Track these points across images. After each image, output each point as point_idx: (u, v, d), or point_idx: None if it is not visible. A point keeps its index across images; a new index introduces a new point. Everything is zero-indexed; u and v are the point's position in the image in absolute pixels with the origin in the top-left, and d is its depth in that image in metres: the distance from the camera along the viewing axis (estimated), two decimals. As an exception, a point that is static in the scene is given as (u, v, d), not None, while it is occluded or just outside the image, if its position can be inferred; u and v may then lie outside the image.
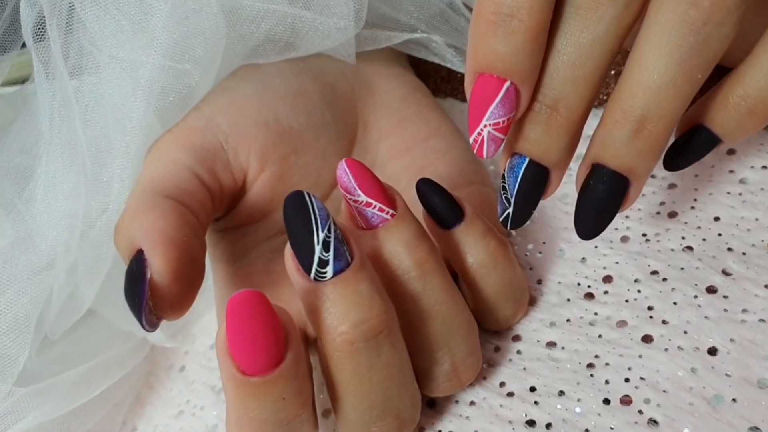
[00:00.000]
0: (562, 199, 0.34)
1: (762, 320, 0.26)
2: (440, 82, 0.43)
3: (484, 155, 0.24)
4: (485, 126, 0.24)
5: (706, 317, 0.27)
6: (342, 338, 0.23)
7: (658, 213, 0.31)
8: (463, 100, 0.42)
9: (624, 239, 0.31)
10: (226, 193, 0.30)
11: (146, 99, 0.29)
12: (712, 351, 0.26)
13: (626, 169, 0.24)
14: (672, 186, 0.32)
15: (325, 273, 0.23)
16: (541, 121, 0.24)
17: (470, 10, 0.37)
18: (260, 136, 0.30)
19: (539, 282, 0.31)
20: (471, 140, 0.24)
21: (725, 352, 0.26)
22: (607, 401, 0.26)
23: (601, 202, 0.25)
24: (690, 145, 0.26)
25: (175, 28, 0.29)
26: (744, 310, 0.27)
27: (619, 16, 0.22)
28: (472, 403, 0.29)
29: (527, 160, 0.25)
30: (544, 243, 0.33)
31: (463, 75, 0.39)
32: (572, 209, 0.32)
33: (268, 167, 0.31)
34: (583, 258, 0.31)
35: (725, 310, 0.27)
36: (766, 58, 0.23)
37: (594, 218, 0.25)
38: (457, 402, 0.29)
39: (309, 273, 0.23)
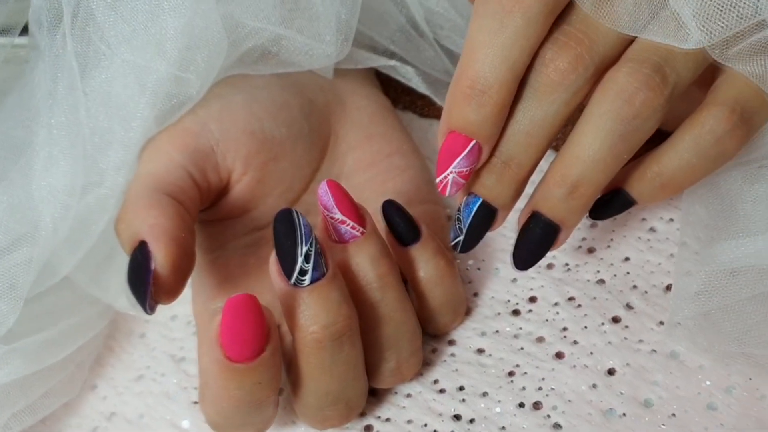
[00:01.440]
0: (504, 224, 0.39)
1: (654, 351, 0.32)
2: (400, 92, 0.47)
3: (446, 194, 0.29)
4: (451, 172, 0.28)
5: (609, 342, 0.33)
6: (312, 336, 0.28)
7: (580, 247, 0.37)
8: (420, 113, 0.46)
9: (549, 266, 0.36)
10: (213, 190, 0.34)
11: (152, 102, 0.32)
12: (611, 371, 0.32)
13: (559, 220, 0.29)
14: (594, 225, 0.37)
15: (303, 280, 0.27)
16: (496, 172, 0.29)
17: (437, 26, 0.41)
18: (246, 144, 0.34)
19: (475, 295, 0.36)
20: (437, 180, 0.29)
21: (621, 374, 0.32)
22: (521, 405, 0.32)
23: (536, 242, 0.30)
24: (611, 203, 0.31)
25: (183, 40, 0.32)
26: (640, 341, 0.32)
27: (567, 101, 0.27)
28: (408, 395, 0.34)
29: (480, 200, 0.30)
30: (483, 260, 0.38)
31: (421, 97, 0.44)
32: (510, 234, 0.37)
33: (250, 171, 0.34)
34: (514, 279, 0.36)
35: (625, 338, 0.33)
36: (680, 144, 0.28)
37: (528, 254, 0.31)
38: (395, 393, 0.34)
39: (290, 279, 0.27)
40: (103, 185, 0.34)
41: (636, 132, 0.27)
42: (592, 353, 0.33)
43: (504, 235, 0.39)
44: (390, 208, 0.32)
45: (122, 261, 0.39)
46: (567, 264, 0.36)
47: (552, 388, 0.32)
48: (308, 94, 0.37)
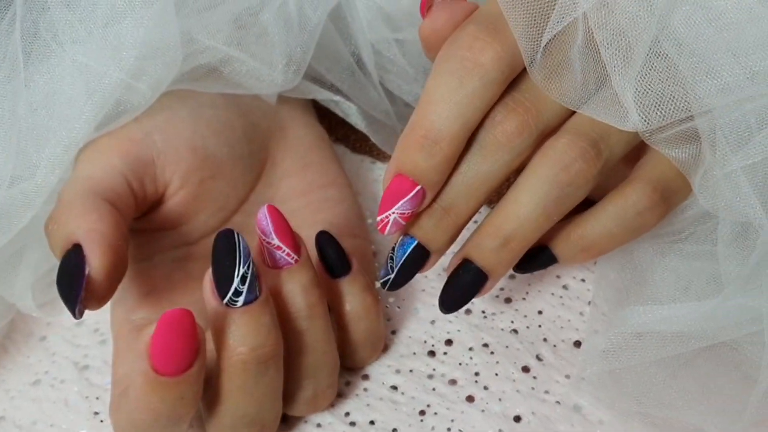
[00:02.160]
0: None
1: (558, 402, 0.34)
2: (335, 124, 0.47)
3: (386, 233, 0.30)
4: (393, 213, 0.29)
5: (517, 391, 0.34)
6: (239, 357, 0.28)
7: (498, 296, 0.38)
8: (353, 148, 0.47)
9: (468, 312, 0.38)
10: (147, 201, 0.33)
11: (99, 106, 0.32)
12: (517, 419, 0.33)
13: (488, 269, 0.31)
14: (512, 277, 0.39)
15: (237, 301, 0.27)
16: (435, 217, 0.30)
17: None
18: (187, 159, 0.34)
19: (393, 333, 0.37)
20: (378, 218, 0.30)
21: (526, 422, 0.33)
22: (430, 443, 0.33)
23: (464, 288, 0.31)
24: (535, 258, 0.33)
25: (140, 49, 0.32)
26: (546, 392, 0.34)
27: (510, 162, 0.29)
28: (319, 425, 0.34)
29: (416, 242, 0.31)
30: (403, 300, 0.39)
31: (355, 133, 0.45)
32: (432, 276, 0.39)
33: (187, 186, 0.34)
34: (433, 320, 0.38)
35: (533, 388, 0.34)
36: (603, 213, 0.31)
37: (455, 298, 0.32)
38: (306, 422, 0.34)
39: (223, 298, 0.27)
40: (32, 181, 0.33)
41: (568, 198, 0.29)
42: (501, 399, 0.34)
43: (426, 277, 0.40)
44: (323, 239, 0.33)
45: (32, 260, 0.38)
46: (484, 311, 0.38)
47: (460, 430, 0.33)
48: (251, 118, 0.38)
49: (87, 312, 0.40)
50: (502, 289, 0.39)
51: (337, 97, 0.42)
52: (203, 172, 0.34)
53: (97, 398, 0.36)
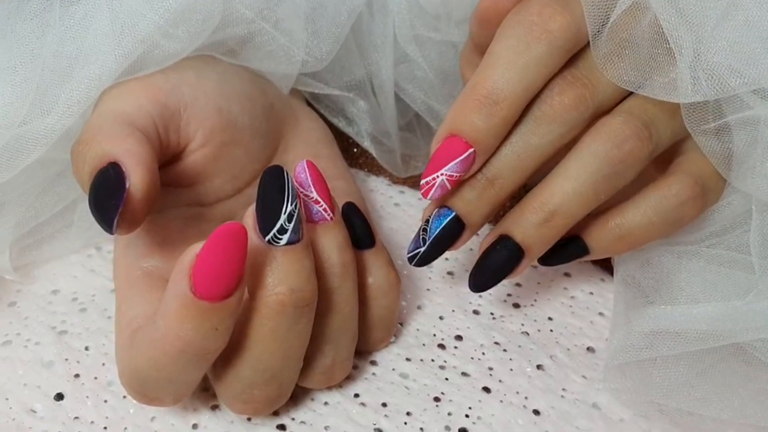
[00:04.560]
0: (429, 266, 0.39)
1: (577, 399, 0.33)
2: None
3: (429, 197, 0.29)
4: (442, 174, 0.29)
5: (534, 385, 0.33)
6: (276, 297, 0.26)
7: (505, 301, 0.38)
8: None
9: (476, 312, 0.37)
10: (168, 152, 0.32)
11: (133, 46, 0.30)
12: (537, 412, 0.32)
13: (527, 246, 0.30)
14: (518, 285, 0.39)
15: (280, 239, 0.26)
16: (478, 188, 0.30)
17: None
18: (212, 118, 0.33)
19: (401, 324, 0.36)
20: (423, 181, 0.29)
21: (546, 415, 0.32)
22: (448, 428, 0.31)
23: (499, 264, 0.31)
24: (566, 249, 0.33)
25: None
26: (564, 389, 0.33)
27: (562, 135, 0.29)
28: (326, 403, 0.32)
29: (453, 214, 0.30)
30: (408, 296, 0.38)
31: (348, 146, 0.45)
32: (436, 277, 0.38)
33: (208, 146, 0.33)
34: (441, 317, 0.36)
35: (549, 384, 0.33)
36: (644, 202, 0.31)
37: (489, 276, 0.31)
38: (312, 399, 0.32)
39: (266, 235, 0.26)
40: (46, 119, 0.31)
41: (618, 176, 0.29)
42: (518, 392, 0.33)
43: (429, 278, 0.39)
44: (350, 209, 0.32)
45: (12, 217, 0.35)
46: (492, 313, 0.37)
47: (479, 417, 0.31)
48: (269, 97, 0.37)
49: (63, 282, 0.37)
50: (509, 294, 0.38)
51: (350, 94, 0.42)
52: (225, 134, 0.33)
53: (78, 362, 0.33)
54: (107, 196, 0.26)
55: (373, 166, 0.46)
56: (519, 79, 0.28)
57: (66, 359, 0.33)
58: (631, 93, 0.30)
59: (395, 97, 0.43)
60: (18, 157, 0.32)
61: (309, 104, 0.42)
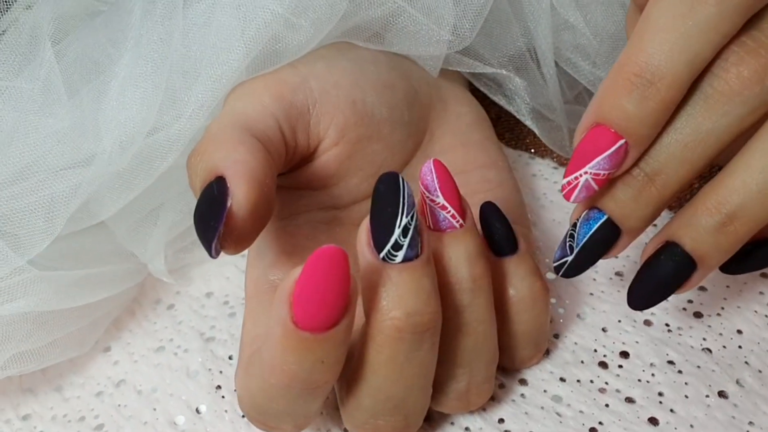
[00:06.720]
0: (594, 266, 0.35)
1: (767, 437, 0.27)
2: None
3: (572, 199, 0.25)
4: (586, 173, 0.24)
5: (714, 417, 0.28)
6: (392, 322, 0.23)
7: (684, 309, 0.32)
8: (507, 143, 0.43)
9: (647, 323, 0.32)
10: (298, 153, 0.30)
11: (255, 40, 0.29)
12: (715, 451, 0.27)
13: (699, 255, 0.25)
14: (702, 288, 0.33)
15: (395, 256, 0.23)
16: (635, 187, 0.25)
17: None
18: (345, 112, 0.30)
19: (556, 336, 0.32)
20: (565, 181, 0.25)
21: (727, 456, 0.27)
22: (603, 467, 0.27)
23: (665, 278, 0.26)
24: (753, 255, 0.27)
25: None
26: (751, 423, 0.28)
27: (742, 117, 0.23)
28: (467, 429, 0.29)
29: (605, 217, 0.26)
30: (567, 302, 0.33)
31: (514, 124, 0.41)
32: (602, 279, 0.33)
33: (342, 143, 0.31)
34: (604, 328, 0.32)
35: (733, 417, 0.28)
36: None
37: (652, 292, 0.26)
38: (452, 423, 0.29)
39: (380, 251, 0.23)
40: (176, 124, 0.31)
41: None
42: (692, 426, 0.28)
43: (594, 279, 0.34)
44: (489, 211, 0.28)
45: (167, 220, 0.35)
46: (668, 324, 0.32)
47: (642, 455, 0.27)
48: (413, 83, 0.34)
49: (216, 283, 0.37)
50: (690, 301, 0.33)
51: (504, 71, 0.37)
52: (361, 129, 0.31)
53: (221, 372, 0.33)
54: (207, 215, 0.24)
55: (540, 147, 0.42)
56: (681, 50, 0.23)
57: (209, 369, 0.33)
58: None
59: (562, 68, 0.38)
60: (152, 163, 0.31)
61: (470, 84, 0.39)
